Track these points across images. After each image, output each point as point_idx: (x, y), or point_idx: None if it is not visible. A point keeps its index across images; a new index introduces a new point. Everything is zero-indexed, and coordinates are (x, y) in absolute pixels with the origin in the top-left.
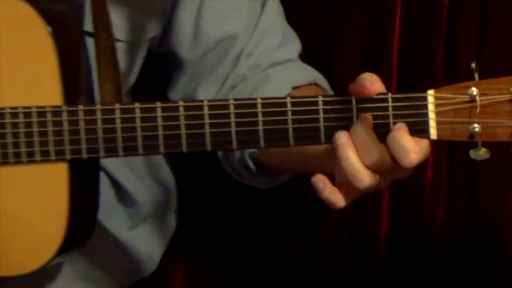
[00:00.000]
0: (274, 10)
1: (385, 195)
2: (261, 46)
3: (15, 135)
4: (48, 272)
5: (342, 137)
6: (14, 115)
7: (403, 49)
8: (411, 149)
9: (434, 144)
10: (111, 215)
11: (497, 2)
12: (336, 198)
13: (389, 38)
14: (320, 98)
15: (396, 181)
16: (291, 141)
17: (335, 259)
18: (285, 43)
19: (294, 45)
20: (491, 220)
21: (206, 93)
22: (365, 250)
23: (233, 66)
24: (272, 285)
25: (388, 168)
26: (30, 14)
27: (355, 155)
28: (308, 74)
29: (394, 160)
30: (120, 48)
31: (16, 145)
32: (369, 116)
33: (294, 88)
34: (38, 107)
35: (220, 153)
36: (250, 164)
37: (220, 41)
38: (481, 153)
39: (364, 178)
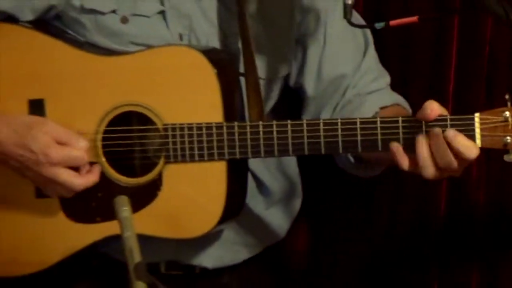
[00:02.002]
0: (371, 56)
1: (443, 186)
2: (362, 81)
3: (190, 143)
4: (213, 235)
5: (421, 138)
6: (190, 128)
7: (457, 83)
8: (473, 145)
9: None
10: (253, 199)
11: None
12: (403, 161)
13: (447, 76)
14: (400, 118)
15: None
16: (379, 147)
17: (405, 230)
18: (377, 79)
19: (384, 79)
20: None
21: (325, 116)
22: (428, 226)
23: (342, 96)
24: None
25: (452, 169)
26: (201, 60)
27: (428, 152)
28: (391, 98)
29: (459, 163)
30: (262, 84)
31: (191, 149)
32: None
33: (381, 108)
34: (207, 123)
35: None
36: (353, 160)
37: (335, 79)
38: None
39: (430, 171)
